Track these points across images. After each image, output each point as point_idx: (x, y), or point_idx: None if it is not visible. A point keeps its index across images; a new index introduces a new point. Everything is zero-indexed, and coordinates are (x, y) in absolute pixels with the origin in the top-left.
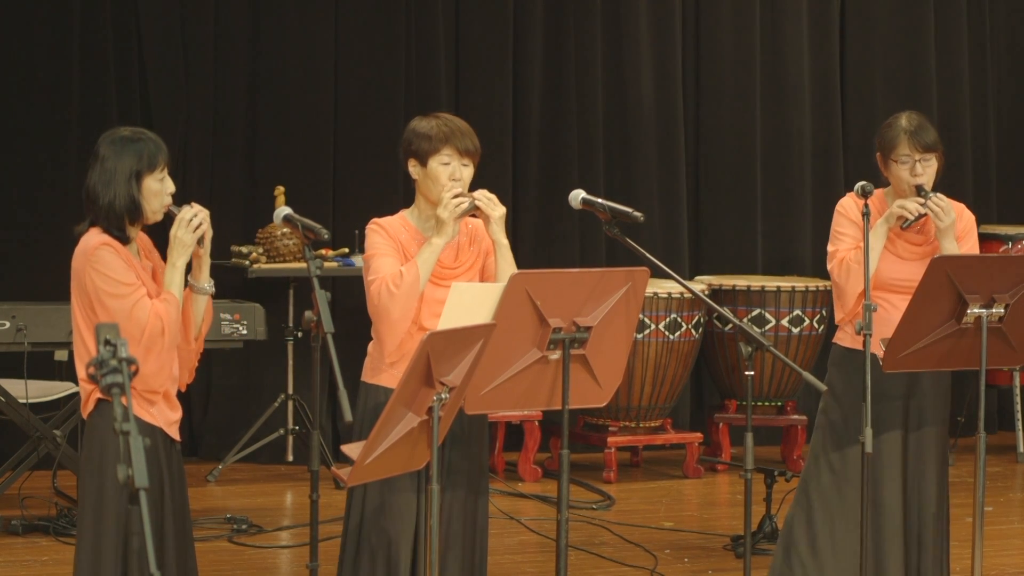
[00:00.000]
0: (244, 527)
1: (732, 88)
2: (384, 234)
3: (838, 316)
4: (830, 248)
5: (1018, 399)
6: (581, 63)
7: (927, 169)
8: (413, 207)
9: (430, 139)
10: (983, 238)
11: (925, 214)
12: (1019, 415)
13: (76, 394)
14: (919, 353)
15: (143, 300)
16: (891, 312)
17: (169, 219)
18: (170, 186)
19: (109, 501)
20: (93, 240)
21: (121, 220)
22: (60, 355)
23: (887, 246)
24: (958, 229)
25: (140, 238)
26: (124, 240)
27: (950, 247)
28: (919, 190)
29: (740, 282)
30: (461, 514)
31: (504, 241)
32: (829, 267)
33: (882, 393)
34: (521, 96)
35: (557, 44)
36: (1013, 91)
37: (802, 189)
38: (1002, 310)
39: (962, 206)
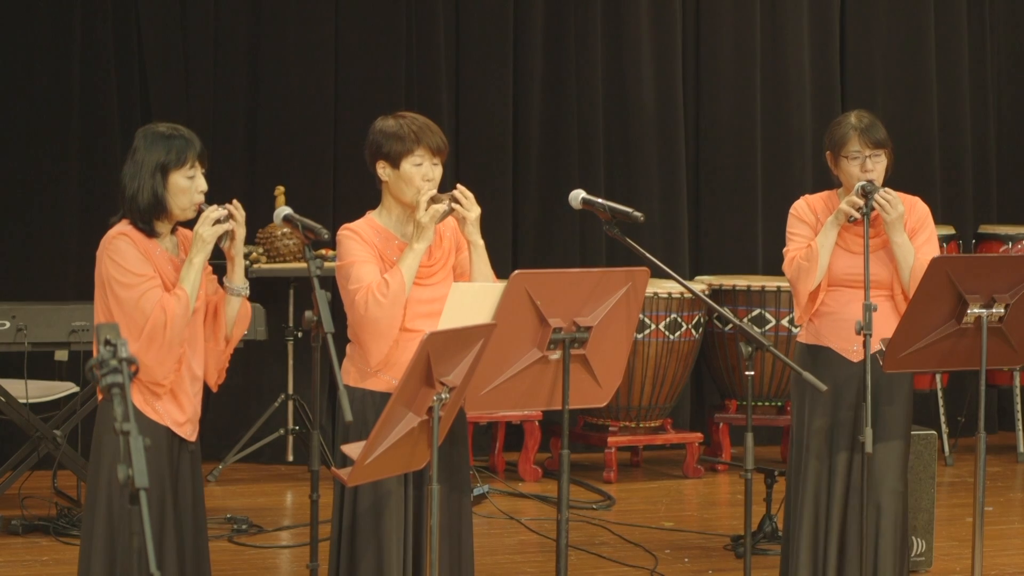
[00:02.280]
0: (244, 527)
1: (732, 88)
2: (359, 240)
3: (796, 316)
4: (785, 250)
5: (1018, 399)
6: (581, 63)
7: (877, 165)
8: (380, 208)
9: (402, 140)
10: (983, 238)
11: (872, 208)
12: (1019, 415)
13: (76, 394)
14: (919, 353)
15: (152, 292)
16: (846, 307)
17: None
18: (202, 184)
19: (102, 493)
20: (114, 230)
21: (146, 214)
22: (60, 355)
23: (838, 241)
24: (912, 222)
25: (182, 233)
26: (150, 233)
27: (900, 239)
28: (869, 185)
29: (740, 282)
30: (447, 509)
31: (480, 242)
32: (783, 268)
33: (840, 399)
34: (521, 96)
35: (557, 44)
36: (1013, 91)
37: (802, 189)
38: (1002, 310)
39: (916, 199)
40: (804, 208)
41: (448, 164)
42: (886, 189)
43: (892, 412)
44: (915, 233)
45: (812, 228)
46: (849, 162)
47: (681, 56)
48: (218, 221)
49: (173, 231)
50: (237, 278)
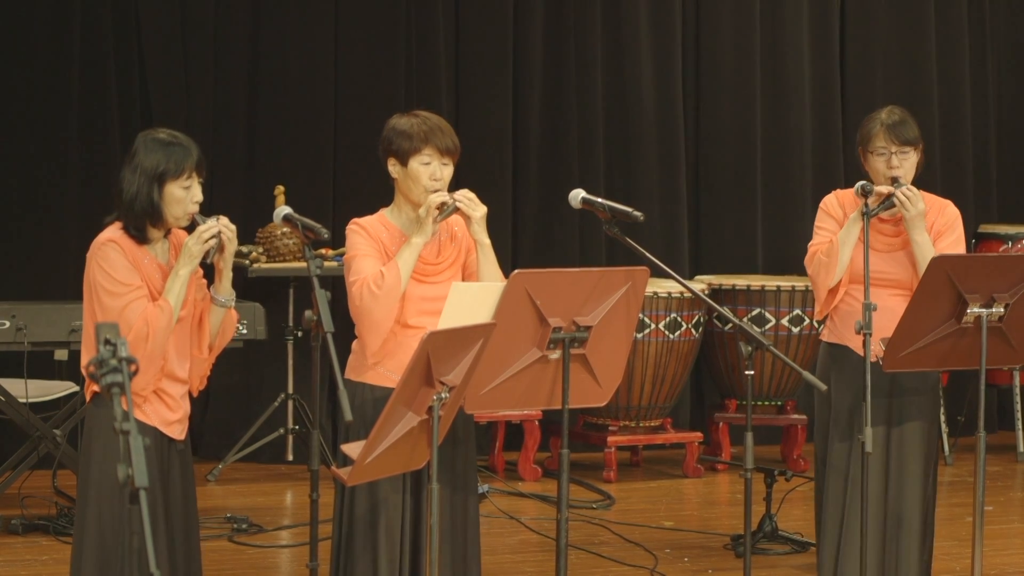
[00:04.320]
0: (244, 526)
1: (732, 88)
2: (365, 234)
3: (816, 311)
4: (810, 244)
5: (1018, 398)
6: (581, 63)
7: (904, 162)
8: (393, 206)
9: (411, 138)
10: (983, 238)
11: (892, 205)
12: (1019, 414)
13: (76, 393)
14: (919, 352)
15: (137, 302)
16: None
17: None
18: (197, 195)
19: (92, 493)
20: (105, 235)
21: (140, 220)
22: (60, 355)
23: (860, 237)
24: (939, 224)
25: (175, 237)
26: (141, 239)
27: (920, 238)
28: (894, 182)
29: (740, 281)
30: (450, 511)
31: (486, 241)
32: (805, 262)
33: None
34: (521, 96)
35: (557, 44)
36: (1013, 91)
37: (802, 189)
38: (1002, 310)
39: (947, 203)
40: (833, 203)
41: None
42: (909, 187)
43: (917, 402)
44: (941, 235)
45: (839, 223)
46: (876, 158)
47: (681, 56)
48: (211, 237)
49: (165, 235)
50: (224, 290)
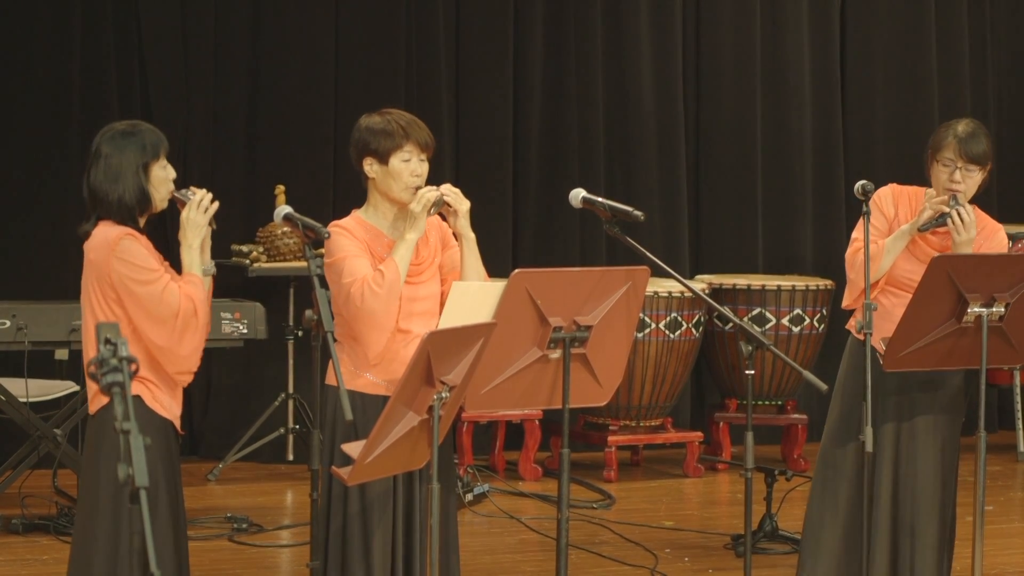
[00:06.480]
0: (244, 526)
1: (732, 88)
2: (349, 235)
3: (844, 303)
4: (854, 235)
5: (1018, 398)
6: (581, 62)
7: (967, 179)
8: (367, 206)
9: (391, 136)
10: None
11: (944, 223)
12: (1019, 414)
13: (76, 393)
14: (919, 352)
15: (171, 284)
16: (897, 308)
17: (171, 207)
18: (172, 172)
19: (123, 499)
20: (112, 232)
21: (133, 212)
22: (60, 354)
23: (908, 244)
24: (989, 246)
25: None
26: (139, 231)
27: None
28: (952, 197)
29: (740, 281)
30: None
31: (471, 235)
32: (847, 254)
33: (880, 389)
34: (521, 96)
35: (557, 44)
36: (1013, 91)
37: (802, 188)
38: (1002, 309)
39: (999, 227)
40: (887, 199)
41: (448, 164)
42: (967, 209)
43: (925, 399)
44: None
45: (888, 221)
46: (940, 168)
47: (681, 56)
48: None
49: None
50: (206, 258)
